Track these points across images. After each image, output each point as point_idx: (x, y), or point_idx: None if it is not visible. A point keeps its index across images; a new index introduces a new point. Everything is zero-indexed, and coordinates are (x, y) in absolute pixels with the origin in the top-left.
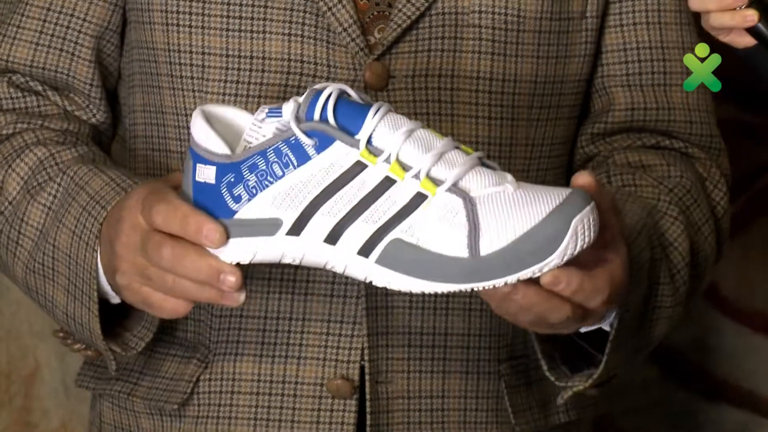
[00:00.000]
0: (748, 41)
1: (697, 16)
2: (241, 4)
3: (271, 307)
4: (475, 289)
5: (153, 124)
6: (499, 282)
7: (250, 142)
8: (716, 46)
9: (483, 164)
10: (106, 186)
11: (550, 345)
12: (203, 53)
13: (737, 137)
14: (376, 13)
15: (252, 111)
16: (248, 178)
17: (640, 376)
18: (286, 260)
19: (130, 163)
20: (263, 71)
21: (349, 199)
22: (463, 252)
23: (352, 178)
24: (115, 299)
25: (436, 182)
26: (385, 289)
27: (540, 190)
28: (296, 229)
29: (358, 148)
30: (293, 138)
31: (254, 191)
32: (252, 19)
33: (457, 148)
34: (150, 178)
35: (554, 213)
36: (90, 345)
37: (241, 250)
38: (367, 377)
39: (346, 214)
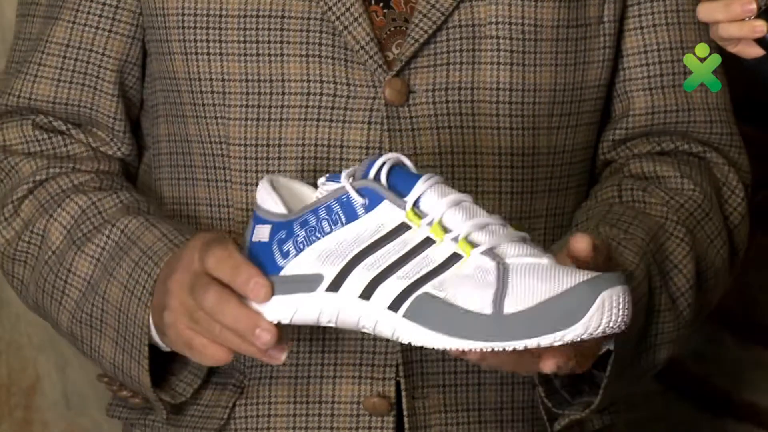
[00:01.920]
0: (757, 52)
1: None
2: (257, 28)
3: (304, 329)
4: (495, 349)
5: (178, 153)
6: (519, 344)
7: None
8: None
9: (526, 242)
10: (159, 242)
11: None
12: (223, 80)
13: None
14: (393, 29)
15: (274, 135)
16: (298, 233)
17: (641, 389)
18: (323, 319)
19: (157, 193)
20: (283, 94)
21: (389, 255)
22: (487, 309)
23: (395, 238)
24: (165, 348)
25: (473, 244)
26: None
27: (574, 269)
28: (335, 285)
29: (404, 209)
30: (345, 196)
31: (302, 246)
32: (269, 42)
33: (504, 225)
34: (177, 206)
35: (583, 283)
36: (138, 393)
37: (283, 308)
38: (403, 393)
39: (384, 269)
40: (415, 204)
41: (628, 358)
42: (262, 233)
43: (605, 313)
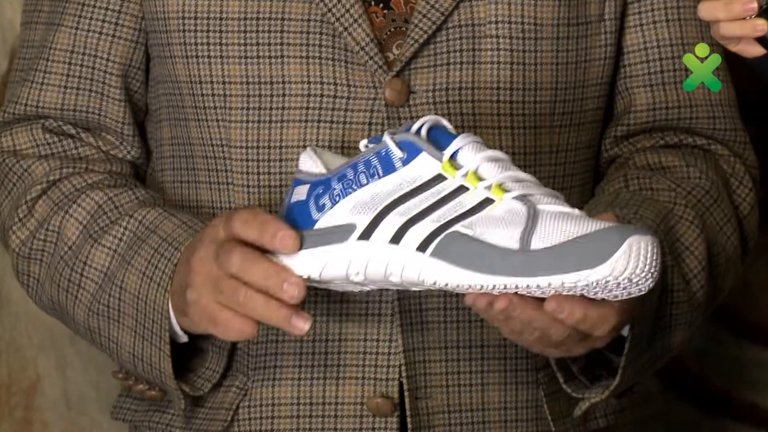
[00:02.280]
0: (758, 51)
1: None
2: (257, 31)
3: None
4: (519, 286)
5: (181, 156)
6: (542, 281)
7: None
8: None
9: (559, 198)
10: (178, 228)
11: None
12: (224, 82)
13: None
14: (392, 29)
15: (275, 136)
16: (335, 187)
17: (641, 388)
18: (352, 271)
19: (159, 194)
20: (284, 95)
21: (423, 203)
22: (514, 244)
23: (431, 187)
24: (183, 338)
25: (506, 190)
26: (419, 305)
27: (607, 222)
28: (367, 233)
29: (441, 160)
30: (384, 150)
31: (337, 198)
32: (269, 44)
33: (539, 184)
34: (180, 209)
35: (613, 227)
36: (156, 385)
37: (312, 261)
38: (406, 394)
39: (416, 214)
40: (452, 157)
41: (644, 339)
42: (300, 192)
43: (632, 257)
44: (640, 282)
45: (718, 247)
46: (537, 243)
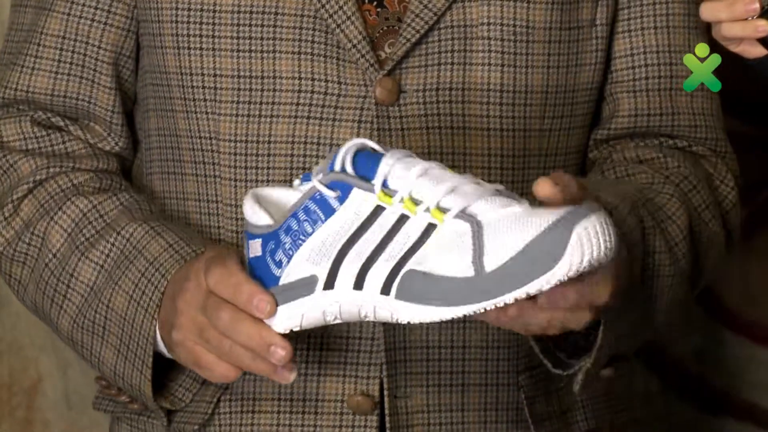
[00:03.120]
0: (760, 51)
1: (708, 26)
2: (250, 25)
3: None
4: (486, 308)
5: (168, 148)
6: (508, 298)
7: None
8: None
9: (500, 194)
10: (165, 252)
11: (551, 343)
12: (215, 75)
13: (738, 150)
14: (385, 28)
15: (264, 131)
16: (285, 241)
17: (641, 388)
18: (329, 317)
19: (147, 187)
20: (274, 90)
21: (372, 241)
22: (469, 271)
23: (373, 222)
24: (168, 355)
25: (445, 210)
26: None
27: (550, 208)
28: (330, 281)
29: (374, 191)
30: (318, 194)
31: (290, 252)
32: (262, 39)
33: (476, 183)
34: (166, 200)
35: (555, 223)
36: (137, 400)
37: (289, 316)
38: (386, 392)
39: (369, 255)
40: (384, 184)
41: (627, 297)
42: (255, 248)
43: (585, 245)
44: (600, 260)
45: (699, 225)
46: (490, 264)
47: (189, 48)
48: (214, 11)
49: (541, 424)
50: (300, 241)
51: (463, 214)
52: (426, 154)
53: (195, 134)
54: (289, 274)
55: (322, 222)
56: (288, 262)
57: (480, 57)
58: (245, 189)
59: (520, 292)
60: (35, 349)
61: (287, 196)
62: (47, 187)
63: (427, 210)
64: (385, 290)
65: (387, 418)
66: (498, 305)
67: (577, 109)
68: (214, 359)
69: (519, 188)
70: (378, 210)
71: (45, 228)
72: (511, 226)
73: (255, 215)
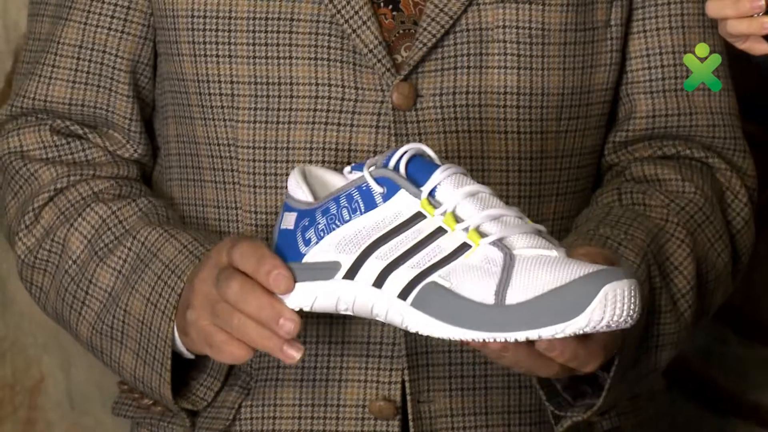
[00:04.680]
0: (765, 49)
1: (714, 23)
2: (266, 31)
3: (310, 331)
4: (497, 340)
5: (187, 155)
6: (520, 336)
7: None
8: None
9: (540, 234)
10: (180, 254)
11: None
12: (232, 82)
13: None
14: (401, 31)
15: (282, 137)
16: (320, 221)
17: (646, 388)
18: (341, 306)
19: (167, 193)
20: (291, 96)
21: (402, 245)
22: (489, 299)
23: (410, 227)
24: (188, 355)
25: (483, 234)
26: None
27: (585, 262)
28: (352, 272)
29: (419, 198)
30: (365, 185)
31: (322, 234)
32: (278, 45)
33: (520, 218)
34: (186, 207)
35: (587, 276)
36: (159, 402)
37: (304, 295)
38: (408, 397)
39: (395, 258)
40: (431, 193)
41: (630, 360)
42: (289, 220)
43: (608, 306)
44: (619, 325)
45: (708, 265)
46: (512, 297)
47: (206, 55)
48: (230, 18)
49: (559, 424)
50: (334, 226)
51: (500, 243)
52: (444, 158)
53: (213, 141)
54: (314, 255)
55: (361, 213)
56: (317, 242)
57: (496, 60)
58: (264, 196)
59: (532, 334)
60: (38, 349)
61: (334, 180)
62: (68, 194)
63: (466, 229)
64: (403, 295)
65: (411, 423)
66: (507, 339)
67: (592, 109)
68: (224, 338)
69: (536, 190)
70: (418, 216)
71: (65, 235)
72: (542, 267)
73: (298, 189)
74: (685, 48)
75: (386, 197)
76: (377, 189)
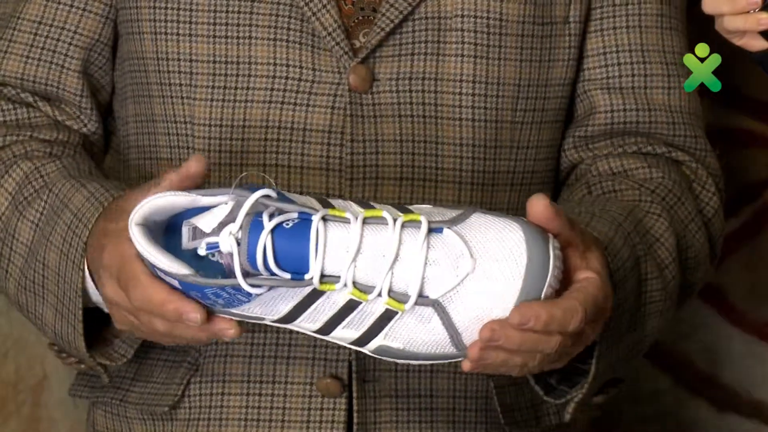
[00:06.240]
0: (762, 45)
1: (711, 20)
2: (227, 11)
3: None
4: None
5: (144, 133)
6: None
7: (199, 228)
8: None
9: (432, 231)
10: (87, 202)
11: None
12: (191, 60)
13: (744, 147)
14: (360, 17)
15: (239, 116)
16: (216, 300)
17: (650, 385)
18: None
19: (124, 174)
20: (250, 76)
21: (324, 311)
22: (450, 350)
23: (318, 298)
24: (106, 309)
25: (400, 299)
26: None
27: (497, 257)
28: (286, 321)
29: (312, 284)
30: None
31: (227, 308)
32: (238, 25)
33: (404, 226)
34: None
35: (523, 294)
36: (81, 360)
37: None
38: (354, 375)
39: (326, 321)
40: (321, 275)
41: (619, 329)
42: (169, 280)
43: (550, 296)
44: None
45: (687, 242)
46: (469, 338)
47: (166, 33)
48: None
49: (510, 414)
50: (236, 303)
51: (421, 299)
52: (398, 141)
53: (171, 119)
54: (231, 312)
55: (258, 295)
56: (225, 309)
57: (453, 48)
58: (219, 173)
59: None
60: (41, 347)
61: (178, 203)
62: (1, 154)
63: (380, 295)
64: (358, 345)
65: (355, 401)
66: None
67: (549, 103)
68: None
69: (489, 178)
70: (318, 293)
71: None
72: (475, 301)
73: (162, 261)
74: (642, 47)
75: (276, 285)
76: (260, 291)
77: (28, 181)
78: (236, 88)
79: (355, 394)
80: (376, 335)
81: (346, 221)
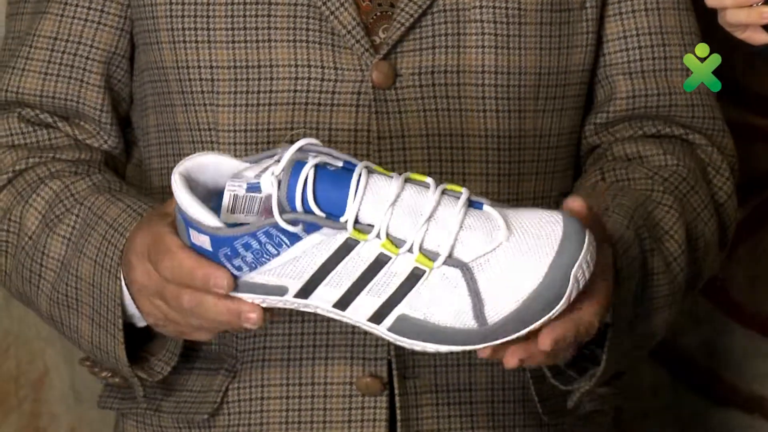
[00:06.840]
0: (764, 38)
1: (713, 13)
2: (244, 15)
3: (294, 311)
4: (490, 345)
5: (167, 143)
6: (511, 338)
7: (236, 194)
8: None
9: (472, 204)
10: (123, 213)
11: None
12: (211, 67)
13: (749, 141)
14: (379, 13)
15: (263, 120)
16: (245, 254)
17: (650, 381)
18: (302, 309)
19: (146, 184)
20: (271, 79)
21: (349, 272)
22: (471, 323)
23: (347, 253)
24: (141, 322)
25: (431, 256)
26: None
27: (532, 233)
28: (303, 294)
29: (346, 229)
30: (278, 226)
31: (254, 265)
32: (256, 28)
33: (444, 192)
34: (167, 195)
35: (553, 268)
36: (116, 372)
37: (252, 298)
38: (394, 373)
39: (350, 287)
40: (356, 221)
41: (626, 324)
42: (201, 240)
43: (580, 281)
44: (586, 282)
45: (697, 232)
46: (492, 314)
47: (185, 41)
48: (208, 3)
49: (547, 403)
50: (264, 260)
51: (451, 259)
52: (423, 136)
53: (194, 126)
54: (253, 278)
55: (288, 246)
56: (251, 270)
57: (473, 40)
58: None
59: (523, 332)
60: (42, 342)
61: (227, 165)
62: (26, 176)
63: (410, 251)
64: (375, 320)
65: (397, 399)
66: (501, 341)
67: (569, 90)
68: (186, 330)
69: (515, 168)
70: (351, 241)
71: (21, 213)
72: (505, 272)
73: (195, 209)
74: (662, 29)
75: (309, 230)
76: (294, 229)
77: (59, 200)
78: (259, 92)
79: (397, 391)
80: (399, 302)
81: (390, 177)
